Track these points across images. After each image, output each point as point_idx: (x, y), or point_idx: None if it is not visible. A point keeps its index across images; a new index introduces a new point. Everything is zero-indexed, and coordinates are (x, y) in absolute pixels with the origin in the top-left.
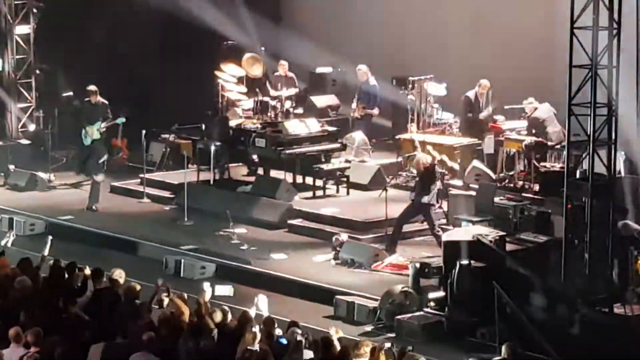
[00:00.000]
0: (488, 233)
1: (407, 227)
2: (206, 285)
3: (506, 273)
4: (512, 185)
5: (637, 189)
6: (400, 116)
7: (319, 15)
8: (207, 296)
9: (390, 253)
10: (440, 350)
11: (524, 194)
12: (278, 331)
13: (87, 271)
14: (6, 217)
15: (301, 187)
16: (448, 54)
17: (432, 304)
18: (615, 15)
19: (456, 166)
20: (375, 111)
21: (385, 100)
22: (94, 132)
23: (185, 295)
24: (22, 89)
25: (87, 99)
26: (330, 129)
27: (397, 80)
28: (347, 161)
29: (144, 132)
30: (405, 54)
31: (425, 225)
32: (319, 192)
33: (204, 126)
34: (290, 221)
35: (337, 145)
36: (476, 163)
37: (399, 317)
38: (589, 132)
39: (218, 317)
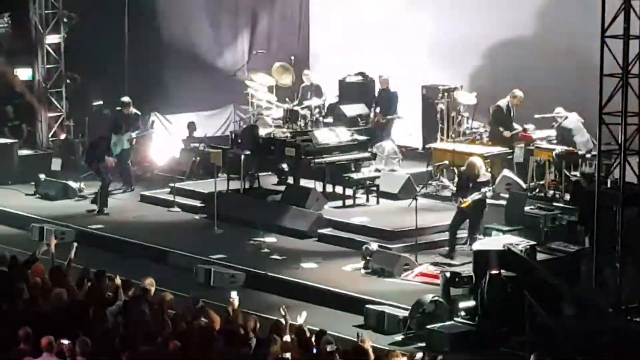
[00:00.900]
0: (518, 242)
1: (437, 237)
2: (233, 294)
3: (537, 283)
4: (542, 194)
5: None
6: (430, 125)
7: (348, 23)
8: (235, 305)
9: (450, 259)
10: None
11: (554, 203)
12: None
13: (118, 280)
14: (37, 226)
15: (331, 196)
16: (478, 63)
17: (462, 313)
18: None
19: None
20: (395, 116)
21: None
22: (123, 142)
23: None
24: (52, 98)
25: (119, 108)
26: (360, 138)
27: (427, 89)
28: (377, 170)
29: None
30: (435, 62)
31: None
32: (349, 201)
33: (233, 135)
34: (320, 230)
35: (367, 154)
36: (506, 172)
37: (429, 326)
38: (619, 141)
39: (251, 325)
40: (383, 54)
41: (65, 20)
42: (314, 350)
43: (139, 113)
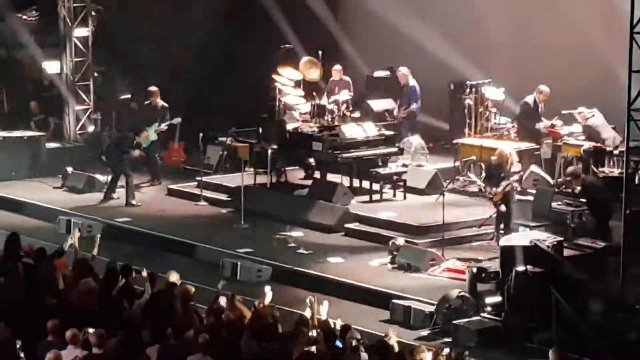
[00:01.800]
0: (545, 238)
1: (464, 232)
2: (267, 289)
3: (564, 278)
4: (570, 190)
5: None
6: (457, 120)
7: (377, 19)
8: (268, 299)
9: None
10: (496, 355)
11: (581, 199)
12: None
13: (144, 273)
14: (64, 219)
15: (358, 191)
16: (506, 58)
17: (488, 309)
18: None
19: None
20: (414, 106)
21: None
22: (150, 133)
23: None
24: (80, 91)
25: (147, 101)
26: (388, 132)
27: (454, 84)
28: (404, 165)
29: (201, 135)
30: (463, 57)
31: (482, 230)
32: (376, 196)
33: (261, 130)
34: (346, 225)
35: (394, 149)
36: (534, 168)
37: (455, 321)
38: None
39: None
40: (411, 49)
41: (93, 13)
42: (340, 344)
43: (166, 105)
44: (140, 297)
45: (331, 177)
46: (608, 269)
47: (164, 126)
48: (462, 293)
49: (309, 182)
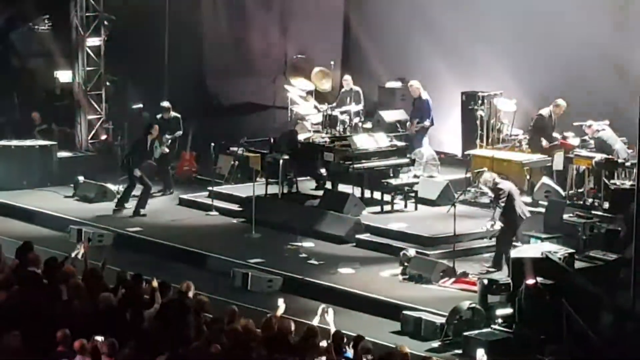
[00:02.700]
0: (557, 250)
1: (475, 244)
2: (280, 301)
3: (575, 291)
4: (581, 202)
5: None
6: (469, 132)
7: (389, 30)
8: (281, 311)
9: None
10: None
11: (593, 212)
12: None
13: (155, 283)
14: (75, 228)
15: (369, 201)
16: (518, 70)
17: (499, 320)
18: None
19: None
20: (427, 122)
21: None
22: (162, 147)
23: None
24: (92, 101)
25: (159, 115)
26: (399, 143)
27: (466, 95)
28: (416, 176)
29: (212, 145)
30: (475, 69)
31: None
32: (387, 207)
33: (272, 140)
34: (357, 236)
35: (406, 160)
36: (545, 180)
37: (466, 333)
38: None
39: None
40: (423, 60)
41: (105, 23)
42: (350, 355)
43: (178, 116)
44: (150, 307)
45: (342, 187)
46: (619, 281)
47: (169, 137)
48: (473, 305)
49: (320, 193)
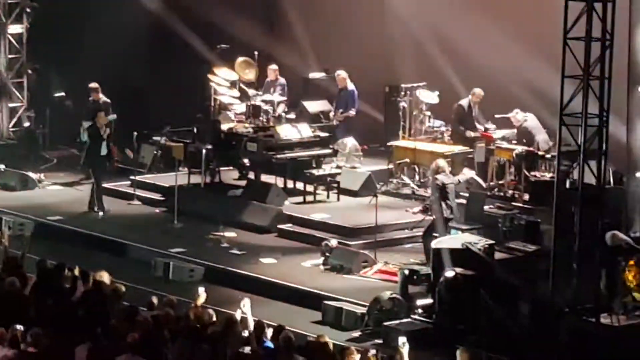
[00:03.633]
0: (477, 241)
1: (397, 234)
2: (201, 290)
3: (494, 281)
4: (502, 194)
5: (624, 200)
6: (392, 123)
7: (313, 21)
8: (201, 300)
9: None
10: (426, 357)
11: (513, 203)
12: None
13: (77, 272)
14: None
15: (292, 192)
16: (441, 62)
17: (420, 311)
18: (608, 27)
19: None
20: (352, 112)
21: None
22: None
23: (175, 298)
24: (14, 89)
25: (89, 97)
26: (322, 134)
27: (390, 87)
28: (338, 167)
29: (135, 134)
30: (398, 61)
31: (415, 232)
32: (310, 198)
33: (195, 129)
34: (280, 226)
35: (329, 150)
36: (467, 171)
37: (386, 323)
38: (579, 143)
39: (207, 319)
40: (347, 51)
41: (27, 10)
42: (270, 345)
43: (108, 101)
44: (71, 296)
45: (265, 177)
46: (538, 273)
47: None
48: (394, 295)
49: (243, 183)
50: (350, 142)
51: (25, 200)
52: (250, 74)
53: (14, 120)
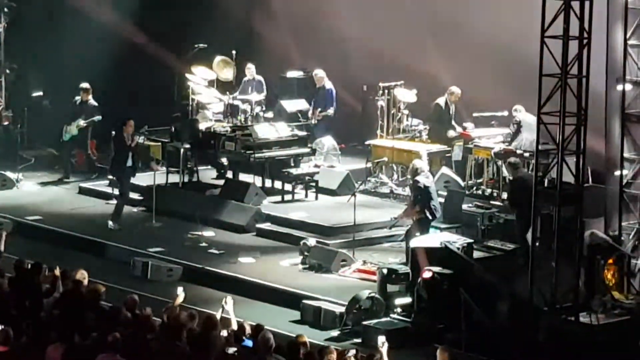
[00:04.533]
0: (456, 240)
1: (375, 233)
2: (180, 289)
3: (473, 280)
4: (480, 192)
5: (603, 198)
6: (369, 122)
7: (292, 20)
8: (180, 300)
9: None
10: (405, 356)
11: (492, 202)
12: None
13: (57, 272)
14: None
15: (270, 191)
16: (419, 61)
17: (398, 309)
18: (586, 25)
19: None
20: (331, 111)
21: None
22: (72, 128)
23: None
24: None
25: (76, 97)
26: (300, 133)
27: (367, 86)
28: (317, 166)
29: (113, 133)
30: (376, 60)
31: (393, 232)
32: (288, 197)
33: (173, 128)
34: (258, 225)
35: (307, 149)
36: (445, 170)
37: (365, 322)
38: (558, 141)
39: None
40: (325, 50)
41: (5, 10)
42: (250, 344)
43: (96, 104)
44: (49, 296)
45: (243, 177)
46: (517, 271)
47: (83, 123)
48: (372, 294)
49: (221, 182)
50: (328, 141)
51: (3, 200)
52: (228, 73)
53: None
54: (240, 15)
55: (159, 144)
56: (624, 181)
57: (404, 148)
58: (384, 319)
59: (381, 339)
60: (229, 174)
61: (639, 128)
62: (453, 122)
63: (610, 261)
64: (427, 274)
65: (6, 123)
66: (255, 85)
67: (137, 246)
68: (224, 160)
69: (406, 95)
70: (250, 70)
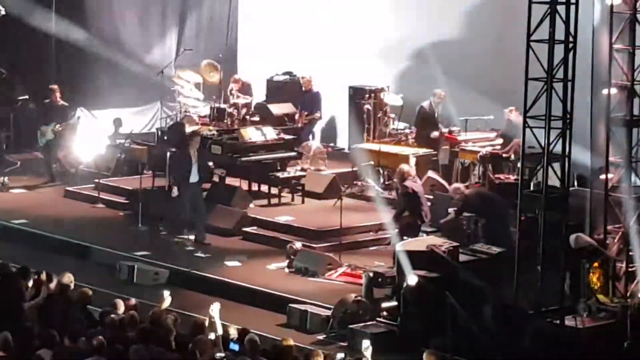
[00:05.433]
0: (441, 244)
1: (361, 237)
2: (166, 294)
3: (459, 284)
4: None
5: (589, 202)
6: (356, 126)
7: (277, 23)
8: (166, 304)
9: None
10: None
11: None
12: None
13: (43, 276)
14: None
15: (256, 194)
16: (405, 65)
17: (384, 313)
18: (572, 29)
19: None
20: (318, 115)
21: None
22: (47, 132)
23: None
24: None
25: (46, 99)
26: (287, 137)
27: (354, 89)
28: (303, 169)
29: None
30: (363, 63)
31: (379, 235)
32: (274, 200)
33: (160, 132)
34: (244, 229)
35: (293, 153)
36: (431, 174)
37: (351, 326)
38: (543, 145)
39: (170, 323)
40: (311, 54)
41: None
42: (236, 347)
43: (66, 104)
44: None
45: (230, 180)
46: (502, 275)
47: (58, 127)
48: (359, 297)
49: (207, 186)
50: (314, 144)
51: None
52: (215, 77)
53: None
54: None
55: (145, 147)
56: (609, 185)
57: (391, 151)
58: (370, 323)
59: (365, 342)
60: (216, 178)
61: (624, 132)
62: (439, 125)
63: (596, 265)
64: (412, 281)
65: None
66: (242, 88)
67: (123, 250)
68: (211, 164)
69: (392, 99)
70: (240, 72)
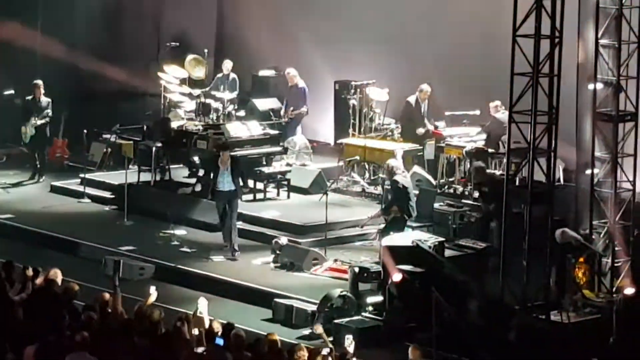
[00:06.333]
0: (427, 239)
1: (347, 232)
2: (152, 289)
3: (444, 279)
4: (452, 191)
5: (574, 197)
6: (342, 120)
7: (263, 18)
8: (152, 299)
9: None
10: (377, 355)
11: (463, 200)
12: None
13: (30, 271)
14: None
15: (242, 189)
16: (391, 59)
17: (370, 308)
18: (557, 24)
19: None
20: (304, 109)
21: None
22: (29, 129)
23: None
24: None
25: (29, 96)
26: (272, 132)
27: (339, 84)
28: (289, 164)
29: (85, 131)
30: (348, 58)
31: (365, 230)
32: (260, 195)
33: (145, 127)
34: None
35: (279, 148)
36: (417, 169)
37: (337, 321)
38: (529, 140)
39: (155, 317)
40: (297, 48)
41: None
42: (221, 342)
43: (49, 100)
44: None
45: None
46: (488, 270)
47: (38, 121)
48: (344, 292)
49: (193, 181)
50: (300, 139)
51: None
52: (200, 72)
53: None
54: (213, 13)
55: (131, 142)
56: (595, 180)
57: (376, 146)
58: (355, 318)
59: (348, 337)
60: (201, 173)
61: (610, 127)
62: (425, 120)
63: (581, 260)
64: (397, 277)
65: None
66: (229, 83)
67: (108, 244)
68: (196, 159)
69: (378, 93)
70: (227, 66)
